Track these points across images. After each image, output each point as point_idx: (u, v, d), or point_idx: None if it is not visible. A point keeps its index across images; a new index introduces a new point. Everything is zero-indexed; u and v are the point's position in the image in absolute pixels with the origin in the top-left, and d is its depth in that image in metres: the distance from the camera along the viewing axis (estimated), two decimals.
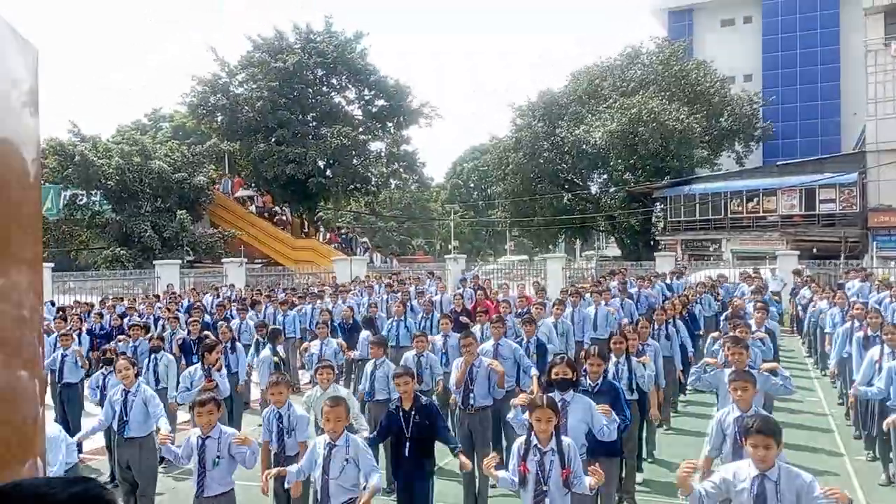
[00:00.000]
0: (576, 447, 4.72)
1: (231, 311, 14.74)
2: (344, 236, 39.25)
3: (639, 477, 7.48)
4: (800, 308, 16.13)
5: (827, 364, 12.47)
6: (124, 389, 6.72)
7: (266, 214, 38.27)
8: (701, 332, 12.28)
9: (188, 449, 5.36)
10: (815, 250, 27.61)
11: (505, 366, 7.72)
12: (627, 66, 40.02)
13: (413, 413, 5.71)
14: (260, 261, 33.66)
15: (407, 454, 5.64)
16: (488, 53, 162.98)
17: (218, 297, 17.85)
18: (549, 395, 4.81)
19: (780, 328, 17.30)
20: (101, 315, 14.52)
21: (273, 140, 38.14)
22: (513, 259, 40.22)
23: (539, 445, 4.54)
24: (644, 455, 8.17)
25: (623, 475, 6.64)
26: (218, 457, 5.24)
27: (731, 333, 7.33)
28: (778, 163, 34.88)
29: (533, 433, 4.59)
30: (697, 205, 33.17)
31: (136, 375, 6.97)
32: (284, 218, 38.28)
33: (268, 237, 36.44)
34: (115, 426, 6.73)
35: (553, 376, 5.26)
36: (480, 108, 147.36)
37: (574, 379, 5.27)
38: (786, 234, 29.71)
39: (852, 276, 16.40)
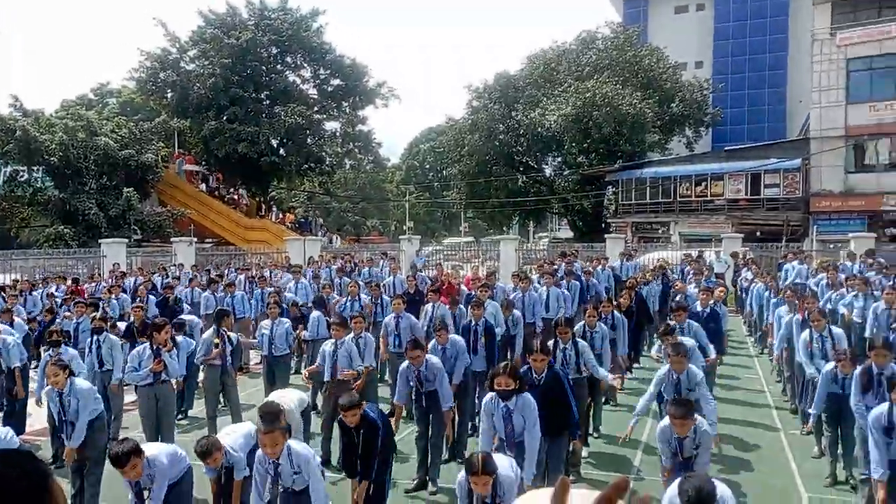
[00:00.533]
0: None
1: (191, 290, 14.63)
2: (304, 219, 38.74)
3: (585, 451, 7.69)
4: (741, 289, 16.64)
5: (767, 343, 12.98)
6: (58, 392, 6.51)
7: (217, 193, 37.56)
8: (653, 313, 12.62)
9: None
10: (759, 233, 28.48)
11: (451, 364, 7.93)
12: (583, 50, 40.37)
13: (361, 431, 5.73)
14: (210, 240, 33.09)
15: (360, 468, 5.75)
16: (445, 35, 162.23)
17: (166, 277, 17.54)
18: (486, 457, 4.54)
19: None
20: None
21: (225, 118, 37.39)
22: (458, 241, 40.12)
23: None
24: (591, 430, 8.40)
25: (571, 450, 6.84)
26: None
27: (669, 339, 7.44)
28: (726, 148, 35.72)
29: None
30: (648, 188, 33.82)
31: (70, 372, 6.68)
32: (236, 197, 37.66)
33: (219, 216, 35.82)
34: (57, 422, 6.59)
35: (496, 387, 5.37)
36: (437, 90, 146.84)
37: (516, 388, 5.37)
38: (731, 218, 30.53)
39: (791, 259, 17.00)
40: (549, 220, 52.49)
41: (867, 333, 10.02)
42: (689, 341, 7.67)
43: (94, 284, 17.13)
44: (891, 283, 12.22)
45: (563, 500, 0.80)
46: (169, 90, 39.13)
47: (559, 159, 40.14)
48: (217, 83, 36.98)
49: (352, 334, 8.30)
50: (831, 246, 24.16)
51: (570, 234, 45.01)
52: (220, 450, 5.36)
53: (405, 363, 7.23)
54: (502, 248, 24.45)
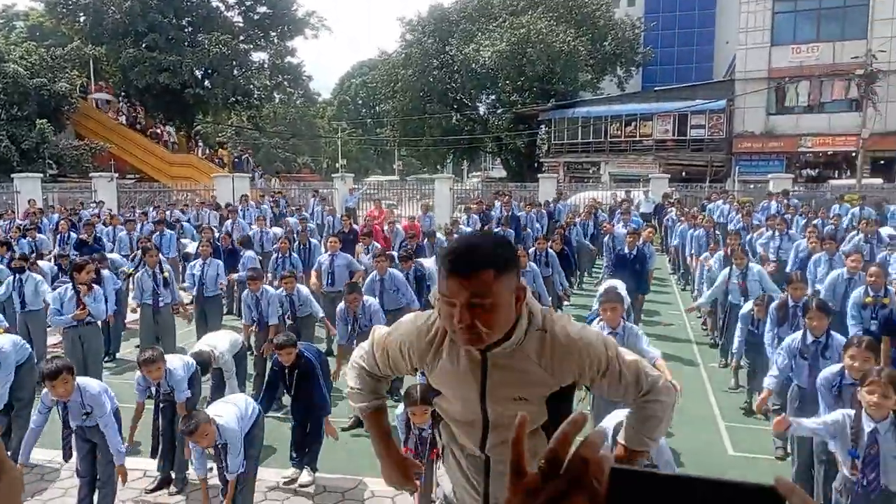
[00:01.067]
0: None
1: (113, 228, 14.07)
2: (237, 158, 37.25)
3: None
4: (666, 228, 17.21)
5: (689, 279, 13.55)
6: None
7: (139, 127, 35.78)
8: (576, 256, 12.99)
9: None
10: (684, 174, 29.34)
11: (391, 296, 8.01)
12: None
13: (295, 372, 5.73)
14: (132, 176, 31.71)
15: (295, 411, 5.79)
16: None
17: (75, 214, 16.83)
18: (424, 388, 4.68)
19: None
20: None
21: (144, 46, 35.32)
22: (381, 179, 39.39)
23: (415, 429, 4.87)
24: None
25: None
26: (86, 413, 4.94)
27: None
28: (655, 88, 36.28)
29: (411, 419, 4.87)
30: (580, 128, 34.14)
31: None
32: (159, 131, 35.99)
33: (141, 151, 34.23)
34: None
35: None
36: (369, 22, 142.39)
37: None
38: (659, 158, 31.29)
39: (715, 198, 17.63)
40: (482, 159, 52.54)
41: (788, 269, 10.47)
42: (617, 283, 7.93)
43: (6, 222, 16.28)
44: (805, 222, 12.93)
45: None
46: (81, 14, 36.55)
47: (493, 97, 39.94)
48: (134, 7, 34.75)
49: (282, 291, 8.28)
50: (752, 186, 25.14)
51: (503, 173, 45.25)
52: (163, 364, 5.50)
53: (342, 304, 7.26)
54: (437, 186, 24.40)
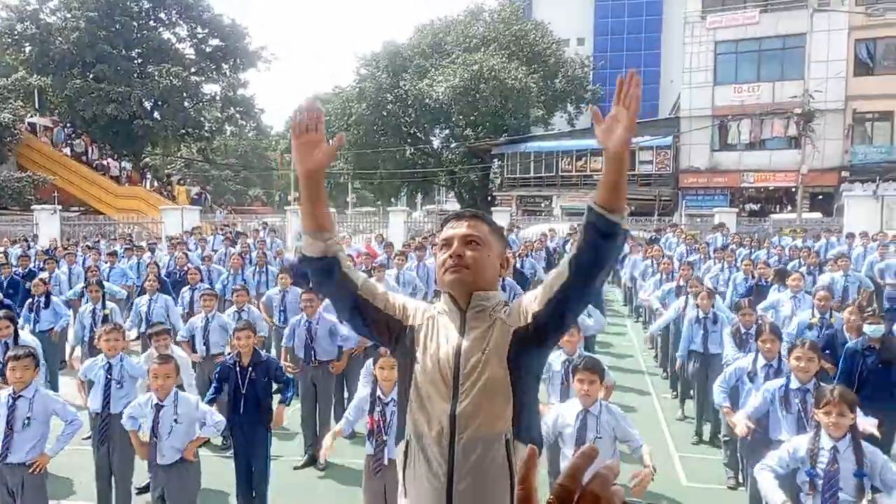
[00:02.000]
0: None
1: (38, 263, 13.48)
2: (198, 196, 36.37)
3: None
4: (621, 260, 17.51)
5: (640, 311, 13.76)
6: None
7: (85, 159, 34.92)
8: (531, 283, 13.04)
9: None
10: (633, 208, 29.90)
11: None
12: (470, 22, 40.58)
13: (250, 369, 5.60)
14: (77, 209, 30.83)
15: (242, 411, 5.54)
16: (332, 2, 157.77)
17: (29, 247, 16.23)
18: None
19: None
20: None
21: (91, 76, 34.73)
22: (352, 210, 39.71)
23: (382, 397, 4.67)
24: None
25: None
26: (28, 418, 4.77)
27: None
28: None
29: (378, 386, 4.71)
30: (532, 162, 34.70)
31: None
32: (106, 163, 35.17)
33: (86, 183, 33.36)
34: None
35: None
36: (323, 58, 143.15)
37: None
38: None
39: (665, 232, 18.05)
40: (436, 192, 52.84)
41: (728, 300, 10.68)
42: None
43: None
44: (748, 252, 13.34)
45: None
46: (27, 44, 35.82)
47: (447, 131, 40.38)
48: (81, 38, 34.20)
49: (233, 308, 8.16)
50: (698, 220, 25.82)
51: (456, 206, 45.51)
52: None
53: (297, 317, 7.30)
54: (391, 219, 24.40)
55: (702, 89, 30.74)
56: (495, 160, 36.72)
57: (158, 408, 4.82)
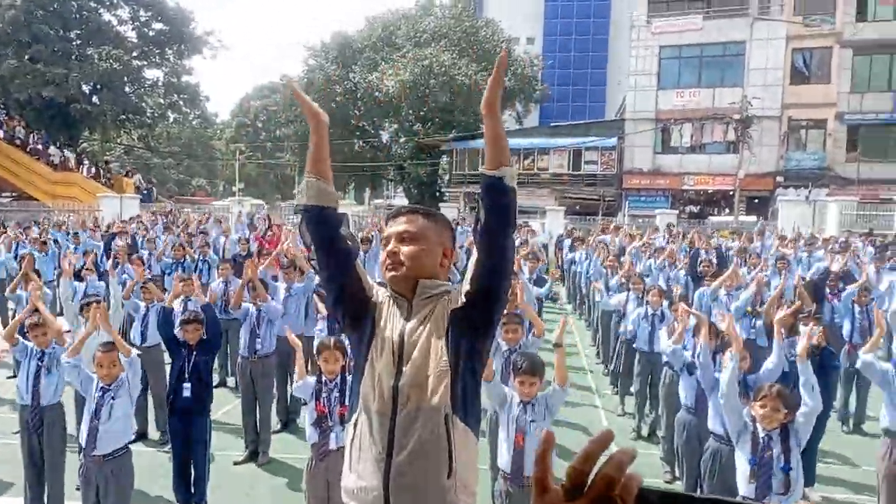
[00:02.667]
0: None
1: None
2: (146, 191, 34.91)
3: None
4: (564, 259, 17.77)
5: (584, 308, 14.01)
6: None
7: (18, 142, 33.44)
8: None
9: None
10: (578, 207, 30.50)
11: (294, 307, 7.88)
12: (421, 16, 40.48)
13: (195, 353, 5.55)
14: (9, 195, 29.53)
15: (186, 394, 5.47)
16: None
17: None
18: (337, 338, 4.90)
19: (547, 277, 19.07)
20: None
21: (27, 57, 33.29)
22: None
23: (328, 384, 4.70)
24: None
25: None
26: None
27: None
28: (552, 124, 37.69)
29: (323, 374, 4.73)
30: (480, 159, 34.42)
31: None
32: (41, 147, 33.74)
33: (20, 168, 31.95)
34: None
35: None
36: (272, 47, 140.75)
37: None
38: (555, 192, 32.40)
39: (609, 232, 18.40)
40: (384, 186, 52.62)
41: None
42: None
43: None
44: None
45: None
46: None
47: (396, 126, 40.22)
48: (17, 16, 32.75)
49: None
50: (640, 220, 26.42)
51: (405, 201, 45.43)
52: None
53: (245, 306, 7.21)
54: None
55: (646, 93, 31.45)
56: (444, 156, 36.79)
57: (104, 391, 4.72)
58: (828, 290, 9.17)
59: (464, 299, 2.12)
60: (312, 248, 2.21)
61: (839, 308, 8.91)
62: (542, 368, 4.59)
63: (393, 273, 2.17)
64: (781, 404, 4.01)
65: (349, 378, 4.75)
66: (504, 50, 2.20)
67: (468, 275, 2.14)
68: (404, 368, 2.09)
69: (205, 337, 5.68)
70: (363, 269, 2.27)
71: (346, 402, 4.64)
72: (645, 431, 7.70)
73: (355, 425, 2.16)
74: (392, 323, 2.17)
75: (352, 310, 2.23)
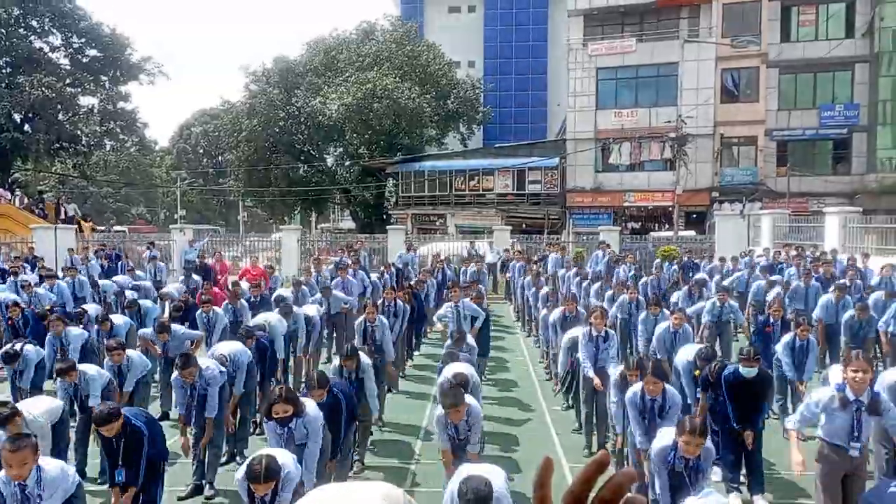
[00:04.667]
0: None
1: None
2: (71, 218, 33.46)
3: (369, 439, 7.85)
4: (511, 279, 17.95)
5: (531, 327, 14.15)
6: None
7: None
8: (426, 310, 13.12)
9: None
10: (524, 226, 30.90)
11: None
12: (363, 41, 40.67)
13: (122, 440, 5.28)
14: None
15: (124, 476, 5.31)
16: (224, 14, 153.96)
17: None
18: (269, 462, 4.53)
19: (495, 295, 19.28)
20: None
21: None
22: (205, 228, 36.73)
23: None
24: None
25: (356, 439, 6.96)
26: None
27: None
28: (496, 145, 38.21)
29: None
30: (426, 181, 35.08)
31: None
32: None
33: None
34: None
35: (274, 415, 5.20)
36: (211, 72, 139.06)
37: (295, 412, 5.23)
38: (501, 211, 32.78)
39: (551, 250, 18.73)
40: (331, 210, 52.29)
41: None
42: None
43: None
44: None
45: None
46: None
47: (340, 149, 40.13)
48: None
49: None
50: (585, 238, 26.91)
51: (351, 224, 45.21)
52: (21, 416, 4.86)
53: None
54: (284, 238, 23.89)
55: (585, 113, 32.21)
56: (390, 179, 36.84)
57: (22, 487, 4.40)
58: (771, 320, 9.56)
59: None
60: None
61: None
62: (462, 399, 5.05)
63: None
64: (699, 439, 4.74)
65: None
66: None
67: None
68: None
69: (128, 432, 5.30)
70: None
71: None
72: (595, 447, 7.80)
73: None
74: None
75: None
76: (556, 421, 8.97)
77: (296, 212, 45.91)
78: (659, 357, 8.61)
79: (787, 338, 8.33)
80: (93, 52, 38.21)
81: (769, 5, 30.23)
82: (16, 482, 4.36)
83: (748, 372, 6.27)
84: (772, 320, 9.52)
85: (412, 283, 13.40)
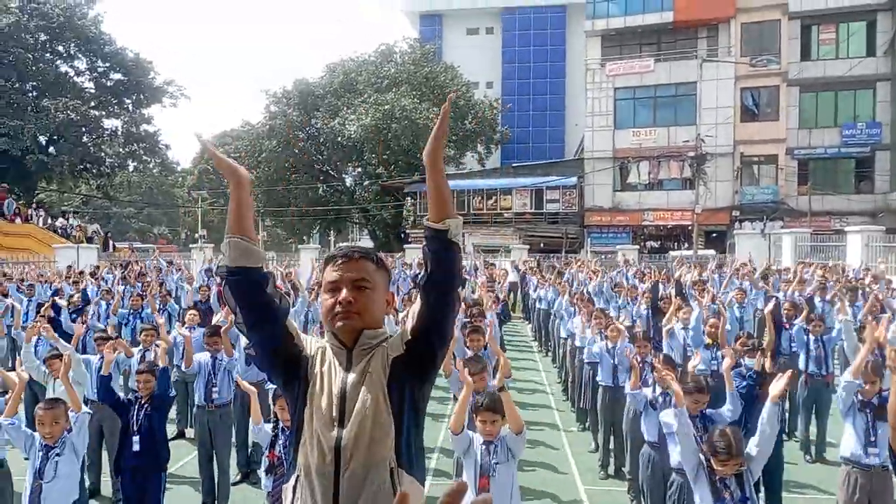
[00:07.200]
0: None
1: None
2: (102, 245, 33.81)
3: None
4: (529, 297, 17.84)
5: (549, 346, 14.02)
6: None
7: None
8: None
9: None
10: (542, 244, 30.82)
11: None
12: (382, 63, 41.06)
13: (146, 405, 5.38)
14: None
15: (137, 449, 5.28)
16: (244, 38, 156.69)
17: None
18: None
19: (514, 315, 19.16)
20: None
21: None
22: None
23: (286, 430, 4.61)
24: None
25: None
26: None
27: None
28: (513, 165, 38.26)
29: (280, 421, 4.65)
30: None
31: None
32: None
33: None
34: None
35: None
36: (232, 93, 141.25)
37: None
38: (518, 230, 32.72)
39: (572, 267, 18.58)
40: (349, 230, 52.54)
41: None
42: None
43: None
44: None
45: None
46: None
47: (359, 169, 40.41)
48: None
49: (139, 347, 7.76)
50: (603, 257, 26.75)
51: (370, 243, 45.34)
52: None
53: (201, 355, 7.06)
54: (302, 257, 24.02)
55: (603, 132, 32.18)
56: (408, 198, 36.97)
57: (47, 449, 4.56)
58: (784, 319, 9.29)
59: (405, 348, 2.04)
60: (238, 311, 2.04)
61: (796, 336, 9.01)
62: (503, 406, 4.53)
63: (347, 321, 2.03)
64: (736, 455, 4.01)
65: None
66: (448, 101, 2.16)
67: (410, 323, 2.06)
68: (346, 423, 1.97)
69: (156, 392, 5.51)
70: (294, 326, 2.15)
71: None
72: (612, 468, 7.65)
73: (294, 489, 2.02)
74: (331, 376, 2.04)
75: (285, 370, 2.10)
76: (571, 441, 8.83)
77: (315, 231, 46.17)
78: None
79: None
80: (117, 76, 38.98)
81: (789, 24, 30.13)
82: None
83: (750, 363, 6.16)
84: None
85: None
